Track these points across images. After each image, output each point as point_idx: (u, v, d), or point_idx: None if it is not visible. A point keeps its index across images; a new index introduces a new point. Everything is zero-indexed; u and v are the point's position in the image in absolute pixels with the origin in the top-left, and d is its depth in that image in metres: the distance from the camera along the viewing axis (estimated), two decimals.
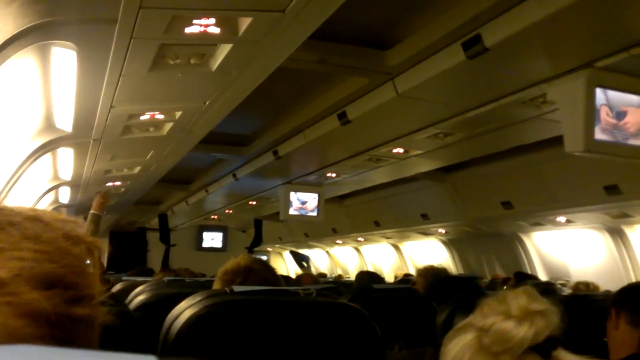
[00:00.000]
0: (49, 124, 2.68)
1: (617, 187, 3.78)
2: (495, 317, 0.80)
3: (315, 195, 5.48)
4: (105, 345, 1.39)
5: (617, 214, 4.44)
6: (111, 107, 2.27)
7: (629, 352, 1.56)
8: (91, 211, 3.91)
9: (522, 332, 0.78)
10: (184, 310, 1.34)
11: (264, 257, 11.64)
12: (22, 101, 2.33)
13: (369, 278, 3.75)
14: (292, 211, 5.42)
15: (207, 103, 2.39)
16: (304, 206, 5.47)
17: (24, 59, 1.83)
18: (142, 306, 1.91)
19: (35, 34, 1.57)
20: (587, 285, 3.69)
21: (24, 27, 1.50)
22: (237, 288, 1.39)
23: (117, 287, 2.79)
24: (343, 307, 1.49)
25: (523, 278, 4.09)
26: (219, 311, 1.33)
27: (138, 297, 1.99)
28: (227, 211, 7.67)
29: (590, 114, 2.29)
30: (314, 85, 3.25)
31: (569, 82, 2.35)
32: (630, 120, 2.43)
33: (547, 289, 3.58)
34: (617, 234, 4.78)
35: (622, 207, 4.21)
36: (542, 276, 5.56)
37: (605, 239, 4.88)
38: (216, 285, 1.59)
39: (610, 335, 1.64)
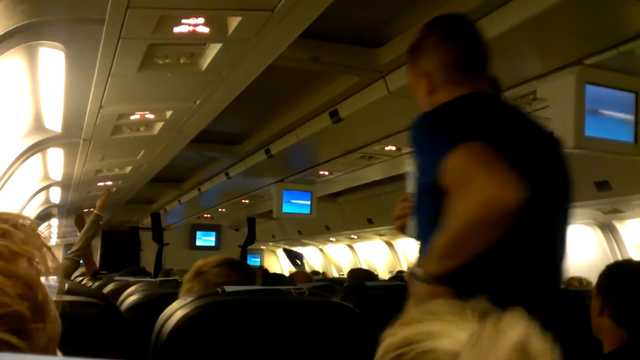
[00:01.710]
0: (38, 124, 2.66)
1: (608, 183, 3.80)
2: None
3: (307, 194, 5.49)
4: (96, 345, 1.37)
5: (608, 210, 4.47)
6: (100, 107, 2.26)
7: (613, 346, 1.56)
8: (94, 211, 3.86)
9: None
10: (176, 310, 1.33)
11: (258, 256, 11.65)
12: (11, 101, 2.31)
13: (361, 275, 3.76)
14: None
15: (197, 102, 2.38)
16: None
17: (12, 60, 1.82)
18: (134, 306, 1.91)
19: (22, 35, 1.55)
20: (580, 281, 3.71)
21: (11, 28, 1.48)
22: (229, 288, 1.39)
23: (109, 287, 2.78)
24: (335, 306, 1.50)
25: None
26: (210, 311, 1.33)
27: (130, 297, 1.99)
28: (220, 210, 7.66)
29: (580, 110, 2.31)
30: (306, 84, 3.24)
31: (559, 79, 2.36)
32: (619, 116, 2.45)
33: None
34: (608, 229, 4.81)
35: (612, 202, 4.24)
36: None
37: (596, 234, 4.91)
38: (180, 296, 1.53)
39: (596, 321, 1.63)
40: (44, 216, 6.20)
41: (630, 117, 2.48)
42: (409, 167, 1.41)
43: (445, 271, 1.20)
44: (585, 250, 5.06)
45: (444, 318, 0.60)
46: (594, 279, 4.15)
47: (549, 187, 1.33)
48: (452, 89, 1.38)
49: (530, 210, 1.17)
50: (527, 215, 1.16)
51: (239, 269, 1.60)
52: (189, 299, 1.35)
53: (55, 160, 3.53)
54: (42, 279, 0.58)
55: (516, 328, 0.55)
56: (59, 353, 0.59)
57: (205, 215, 8.51)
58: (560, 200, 1.38)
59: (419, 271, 1.26)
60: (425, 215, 1.33)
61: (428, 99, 1.42)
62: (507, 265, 1.27)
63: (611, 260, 4.78)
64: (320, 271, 9.51)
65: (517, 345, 0.52)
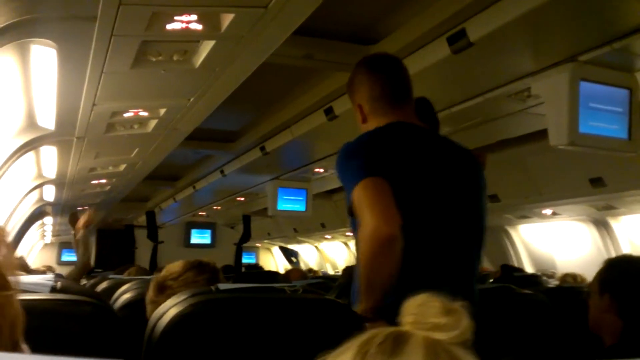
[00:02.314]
0: (31, 122, 2.65)
1: (602, 179, 3.81)
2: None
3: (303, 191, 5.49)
4: (88, 344, 1.35)
5: (602, 206, 4.49)
6: (94, 104, 2.25)
7: (613, 340, 1.56)
8: (80, 231, 3.82)
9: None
10: (169, 308, 1.33)
11: (253, 253, 11.64)
12: (3, 99, 2.30)
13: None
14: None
15: (191, 100, 2.37)
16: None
17: (3, 57, 1.80)
18: (128, 304, 1.90)
19: (13, 32, 1.54)
20: (574, 277, 3.73)
21: (2, 25, 1.47)
22: (222, 286, 1.38)
23: (103, 285, 2.77)
24: (329, 303, 1.49)
25: (510, 270, 4.13)
26: (204, 309, 1.33)
27: (124, 295, 1.97)
28: (215, 207, 7.64)
29: (574, 107, 2.31)
30: (300, 81, 3.24)
31: (553, 76, 2.36)
32: (613, 112, 2.45)
33: (533, 281, 3.62)
34: (602, 225, 4.83)
35: (606, 199, 4.26)
36: (529, 268, 5.62)
37: (590, 230, 4.93)
38: (149, 313, 1.50)
39: (597, 317, 1.62)
40: (38, 214, 6.17)
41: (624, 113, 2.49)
42: None
43: (374, 304, 1.40)
44: (579, 247, 5.08)
45: None
46: (588, 275, 4.16)
47: (454, 199, 1.56)
48: (378, 118, 1.61)
49: (436, 221, 1.50)
50: (434, 227, 1.49)
51: (204, 270, 1.58)
52: (182, 297, 1.34)
53: (49, 158, 3.51)
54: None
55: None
56: (25, 348, 0.61)
57: (200, 213, 8.49)
58: (469, 209, 1.59)
59: (359, 311, 1.42)
60: (354, 227, 1.54)
61: (363, 127, 1.66)
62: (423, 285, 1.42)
63: (605, 256, 4.79)
64: (316, 268, 9.52)
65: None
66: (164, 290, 1.53)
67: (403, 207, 1.40)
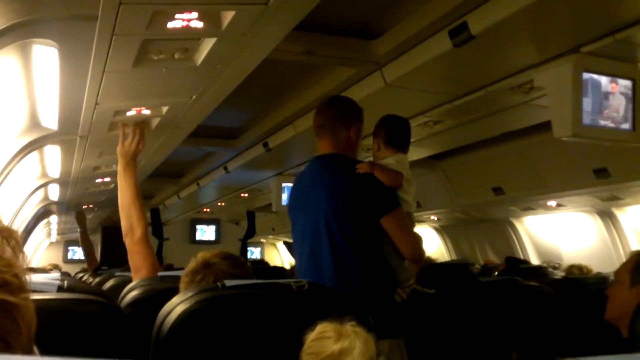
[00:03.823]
0: (35, 122, 2.66)
1: (606, 170, 3.80)
2: None
3: None
4: (95, 343, 1.36)
5: (607, 197, 4.48)
6: (96, 104, 2.25)
7: None
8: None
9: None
10: (176, 305, 1.34)
11: (258, 249, 11.66)
12: (6, 100, 2.31)
13: None
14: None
15: (193, 97, 2.37)
16: None
17: (5, 58, 1.81)
18: (135, 302, 1.91)
19: (15, 33, 1.55)
20: (580, 268, 3.72)
21: (4, 26, 1.47)
22: (229, 282, 1.39)
23: (110, 283, 2.79)
24: (336, 298, 1.50)
25: (515, 263, 4.13)
26: (210, 306, 1.34)
27: (131, 292, 1.99)
28: (219, 204, 7.66)
29: (578, 99, 2.30)
30: (302, 77, 3.23)
31: (555, 68, 2.36)
32: (616, 104, 2.44)
33: (539, 273, 3.62)
34: (607, 216, 4.82)
35: (611, 190, 4.25)
36: (534, 260, 5.61)
37: (595, 221, 4.92)
38: (181, 289, 1.55)
39: (622, 308, 1.61)
40: (43, 213, 6.20)
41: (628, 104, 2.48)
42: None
43: None
44: (584, 238, 5.07)
45: None
46: (594, 266, 4.15)
47: (313, 210, 2.05)
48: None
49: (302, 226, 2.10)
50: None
51: (243, 264, 1.65)
52: (189, 294, 1.35)
53: (53, 157, 3.52)
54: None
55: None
56: (36, 350, 0.62)
57: (204, 210, 8.51)
58: (327, 216, 2.01)
59: None
60: None
61: None
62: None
63: (610, 247, 4.79)
64: None
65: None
66: (209, 267, 1.57)
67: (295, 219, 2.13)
